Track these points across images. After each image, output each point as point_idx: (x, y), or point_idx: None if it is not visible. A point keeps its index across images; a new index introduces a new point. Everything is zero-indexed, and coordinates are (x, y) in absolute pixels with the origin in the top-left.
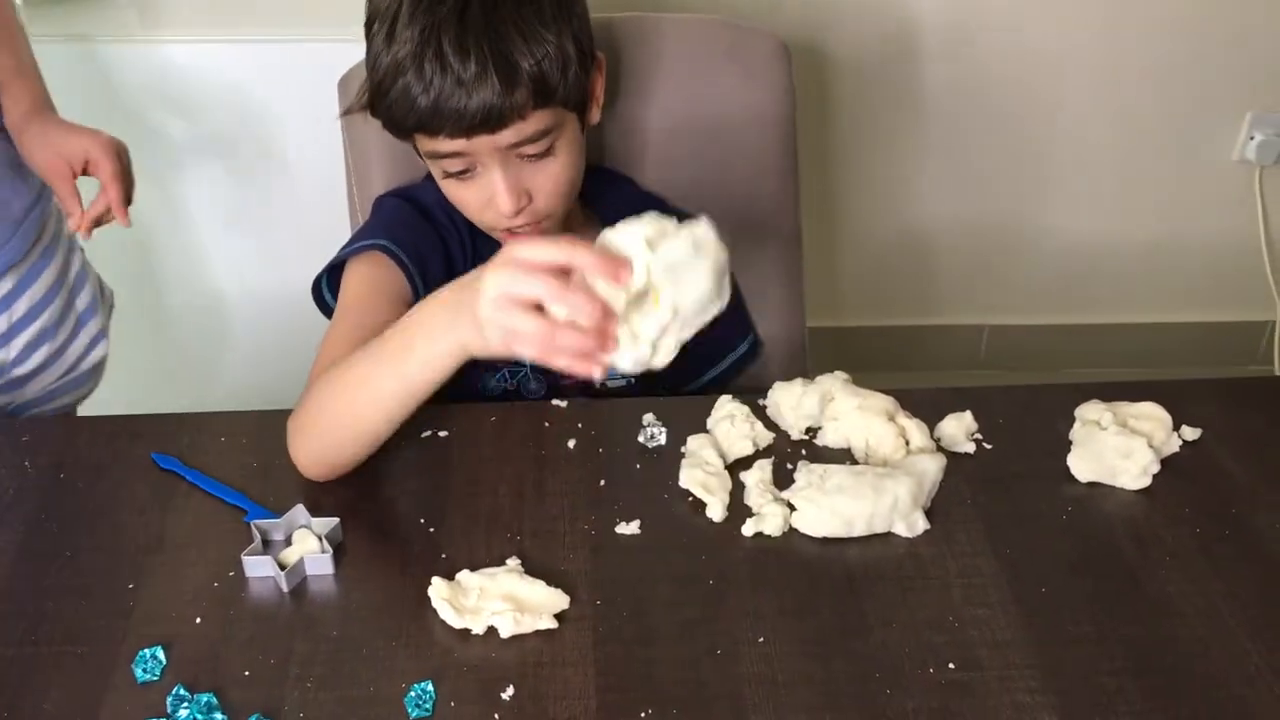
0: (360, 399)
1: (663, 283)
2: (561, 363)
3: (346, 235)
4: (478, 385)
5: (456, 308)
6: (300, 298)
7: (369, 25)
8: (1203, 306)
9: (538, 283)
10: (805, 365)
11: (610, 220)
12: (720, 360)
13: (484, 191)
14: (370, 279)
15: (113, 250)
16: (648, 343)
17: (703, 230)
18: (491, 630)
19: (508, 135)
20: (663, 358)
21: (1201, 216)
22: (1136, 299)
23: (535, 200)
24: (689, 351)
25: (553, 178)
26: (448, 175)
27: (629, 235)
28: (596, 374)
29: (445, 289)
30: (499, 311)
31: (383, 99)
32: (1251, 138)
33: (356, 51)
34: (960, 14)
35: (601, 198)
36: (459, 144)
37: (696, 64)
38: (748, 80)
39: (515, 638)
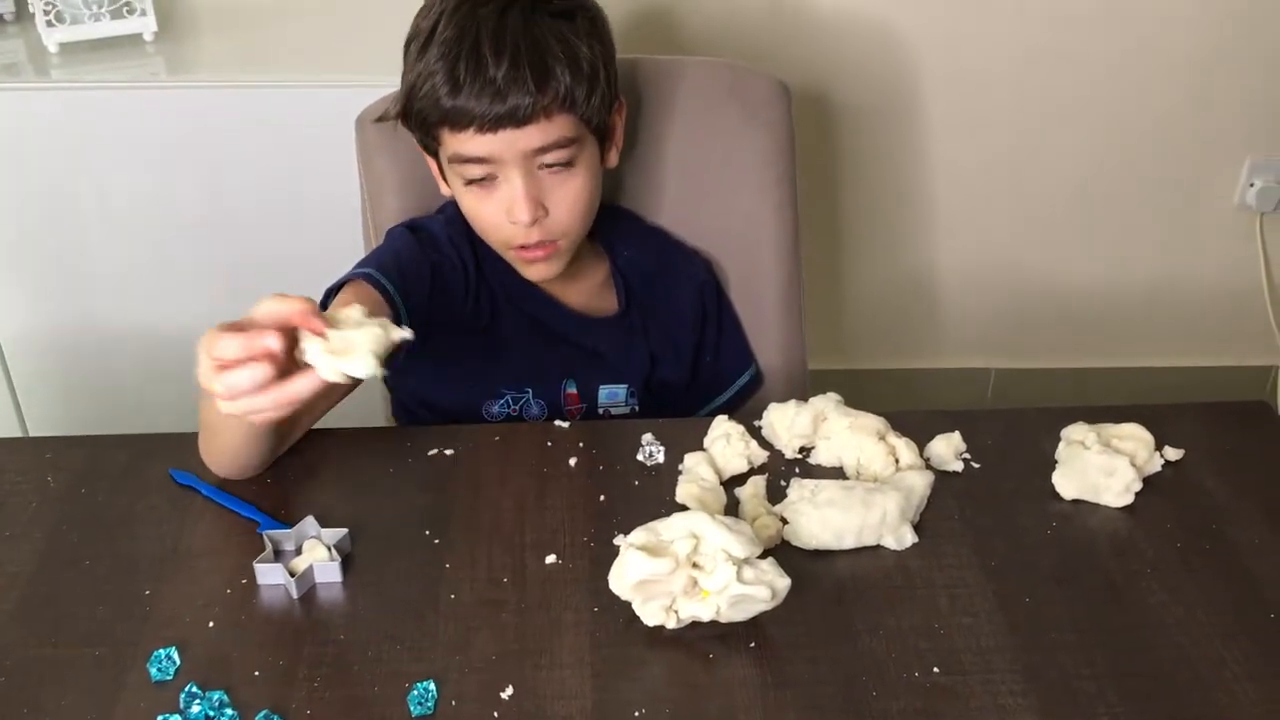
0: (218, 442)
1: (720, 601)
2: (243, 405)
3: None
4: (481, 413)
5: None
6: None
7: (408, 44)
8: (1206, 352)
9: (222, 342)
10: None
11: (617, 252)
12: (723, 391)
13: (503, 202)
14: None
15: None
16: (672, 612)
17: (784, 585)
18: (492, 635)
19: (533, 136)
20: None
21: (1203, 262)
22: (1140, 344)
23: (552, 213)
24: (693, 384)
25: (572, 192)
26: (469, 183)
27: (721, 542)
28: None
29: None
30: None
31: (417, 95)
32: (1251, 184)
33: (371, 96)
34: (963, 61)
35: (607, 231)
36: (485, 143)
37: (698, 103)
38: (748, 118)
39: (512, 650)
